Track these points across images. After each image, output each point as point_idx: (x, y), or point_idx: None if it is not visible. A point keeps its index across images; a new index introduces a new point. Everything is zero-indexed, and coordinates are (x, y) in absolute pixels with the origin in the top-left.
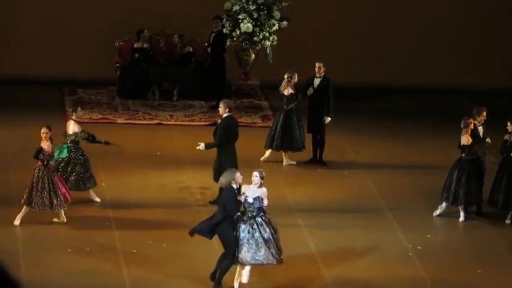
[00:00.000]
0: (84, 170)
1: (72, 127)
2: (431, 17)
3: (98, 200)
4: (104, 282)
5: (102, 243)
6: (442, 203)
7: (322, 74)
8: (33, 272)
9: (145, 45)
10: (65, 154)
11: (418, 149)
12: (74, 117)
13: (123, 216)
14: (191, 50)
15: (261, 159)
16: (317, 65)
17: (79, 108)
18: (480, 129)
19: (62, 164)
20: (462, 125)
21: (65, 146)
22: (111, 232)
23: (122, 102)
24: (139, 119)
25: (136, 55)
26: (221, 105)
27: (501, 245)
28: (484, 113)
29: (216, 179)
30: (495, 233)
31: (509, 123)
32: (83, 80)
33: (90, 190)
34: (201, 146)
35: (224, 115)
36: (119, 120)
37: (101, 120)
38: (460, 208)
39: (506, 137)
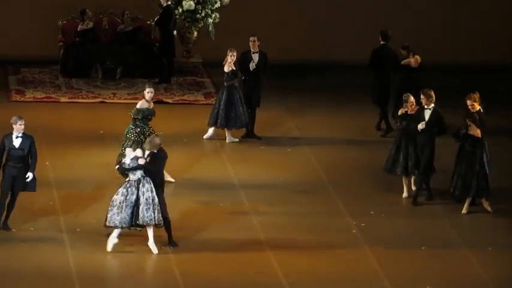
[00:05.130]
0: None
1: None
2: None
3: (172, 180)
4: (48, 263)
5: (46, 222)
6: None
7: (257, 48)
8: None
9: (90, 25)
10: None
11: (360, 125)
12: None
13: (67, 195)
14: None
15: (204, 136)
16: (252, 39)
17: None
18: (427, 112)
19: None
20: None
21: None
22: (55, 211)
23: (65, 81)
24: (82, 98)
25: (77, 39)
26: None
27: (445, 221)
28: (429, 97)
29: None
30: (439, 209)
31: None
32: (27, 59)
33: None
34: None
35: None
36: (62, 99)
37: (44, 99)
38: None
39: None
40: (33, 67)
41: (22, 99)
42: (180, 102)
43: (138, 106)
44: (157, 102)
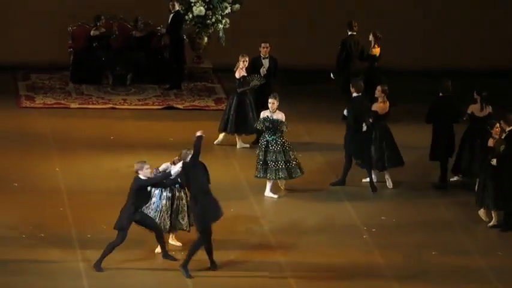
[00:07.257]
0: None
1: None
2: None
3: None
4: (58, 268)
5: (57, 228)
6: None
7: (267, 54)
8: None
9: (102, 30)
10: None
11: None
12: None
13: (77, 201)
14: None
15: (215, 142)
16: (263, 45)
17: None
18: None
19: None
20: None
21: None
22: (66, 217)
23: (75, 87)
24: (92, 104)
25: (94, 44)
26: None
27: (456, 227)
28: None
29: None
30: (450, 214)
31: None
32: (36, 64)
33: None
34: None
35: None
36: (72, 105)
37: (54, 105)
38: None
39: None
40: (43, 73)
41: (32, 105)
42: (190, 108)
43: (261, 116)
44: (167, 108)
